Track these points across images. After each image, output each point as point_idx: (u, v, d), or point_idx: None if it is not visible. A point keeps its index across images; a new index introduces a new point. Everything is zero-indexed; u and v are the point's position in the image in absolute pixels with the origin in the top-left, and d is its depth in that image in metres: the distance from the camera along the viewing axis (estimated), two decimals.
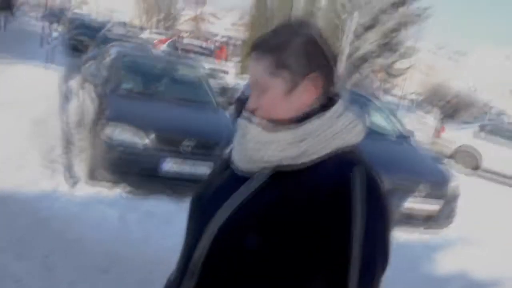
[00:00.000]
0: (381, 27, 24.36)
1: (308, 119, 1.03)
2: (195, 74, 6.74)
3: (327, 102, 1.06)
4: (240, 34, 43.82)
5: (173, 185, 5.15)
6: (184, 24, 46.93)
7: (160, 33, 30.77)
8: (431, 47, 61.35)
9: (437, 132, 17.94)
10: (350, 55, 20.53)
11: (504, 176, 11.53)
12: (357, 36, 23.01)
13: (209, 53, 18.04)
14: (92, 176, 5.07)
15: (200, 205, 1.14)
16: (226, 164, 1.15)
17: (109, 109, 5.26)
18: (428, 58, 53.58)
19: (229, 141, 5.25)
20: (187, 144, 5.01)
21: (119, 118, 5.05)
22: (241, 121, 1.11)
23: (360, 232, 0.94)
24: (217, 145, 5.18)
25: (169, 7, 43.68)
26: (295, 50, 1.03)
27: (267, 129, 1.04)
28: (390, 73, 29.37)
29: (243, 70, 18.02)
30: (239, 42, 45.03)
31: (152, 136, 4.93)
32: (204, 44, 21.63)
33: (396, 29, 25.13)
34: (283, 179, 1.02)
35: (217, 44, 31.68)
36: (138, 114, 5.24)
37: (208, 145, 5.19)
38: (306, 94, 1.04)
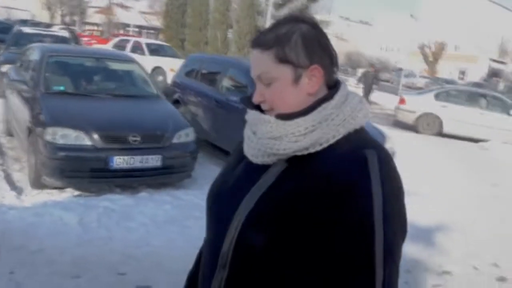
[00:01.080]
0: (292, 4, 24.86)
1: (316, 108, 1.07)
2: (129, 67, 6.56)
3: (329, 90, 1.13)
4: (153, 22, 42.70)
5: (125, 181, 5.10)
6: (93, 17, 44.86)
7: (66, 29, 29.17)
8: (340, 17, 63.46)
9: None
10: None
11: (463, 138, 12.22)
12: (272, 15, 23.34)
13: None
14: (37, 184, 4.88)
15: (219, 199, 1.17)
16: (240, 157, 1.18)
17: (45, 113, 5.03)
18: (339, 28, 55.40)
19: (175, 130, 5.26)
20: (134, 139, 4.95)
21: (58, 122, 4.85)
22: (250, 118, 1.14)
23: (381, 210, 0.97)
24: (163, 136, 5.16)
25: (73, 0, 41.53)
26: (295, 44, 1.08)
27: (277, 123, 1.07)
28: None
29: None
30: (151, 31, 43.88)
31: (96, 135, 4.80)
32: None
33: (306, 5, 25.75)
34: (299, 167, 1.06)
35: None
36: (77, 115, 5.04)
37: (155, 137, 5.15)
38: (310, 85, 1.09)
